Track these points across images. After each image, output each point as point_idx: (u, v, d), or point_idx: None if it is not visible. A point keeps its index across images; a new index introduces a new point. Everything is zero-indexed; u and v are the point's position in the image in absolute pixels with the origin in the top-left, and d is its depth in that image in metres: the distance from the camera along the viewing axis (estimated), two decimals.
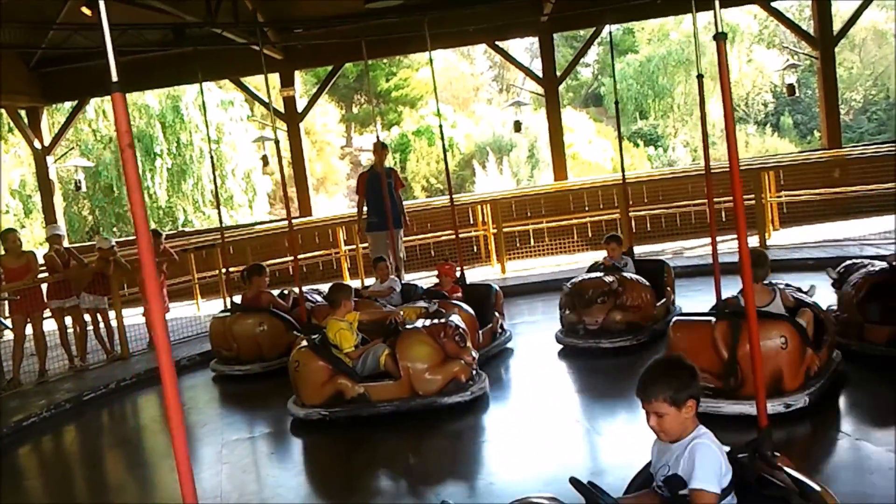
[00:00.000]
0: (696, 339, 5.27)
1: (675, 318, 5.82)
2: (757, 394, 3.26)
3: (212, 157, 11.82)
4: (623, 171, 10.06)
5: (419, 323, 6.41)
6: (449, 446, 5.70)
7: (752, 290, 3.26)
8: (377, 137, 10.14)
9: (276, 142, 8.86)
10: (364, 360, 6.27)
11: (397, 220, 10.50)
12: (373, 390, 6.09)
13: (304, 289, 9.50)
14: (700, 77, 5.79)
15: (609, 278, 7.47)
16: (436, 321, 6.40)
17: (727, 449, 2.92)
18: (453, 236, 9.17)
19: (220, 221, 11.26)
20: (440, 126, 9.76)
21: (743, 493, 2.87)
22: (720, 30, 3.20)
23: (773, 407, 4.78)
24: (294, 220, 15.28)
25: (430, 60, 9.57)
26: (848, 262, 6.65)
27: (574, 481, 2.84)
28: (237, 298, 9.32)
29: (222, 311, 9.22)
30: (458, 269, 8.70)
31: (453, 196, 9.80)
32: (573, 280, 7.79)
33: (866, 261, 6.54)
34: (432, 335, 6.20)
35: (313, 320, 8.06)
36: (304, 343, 6.46)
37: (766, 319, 5.09)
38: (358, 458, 5.57)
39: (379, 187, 10.16)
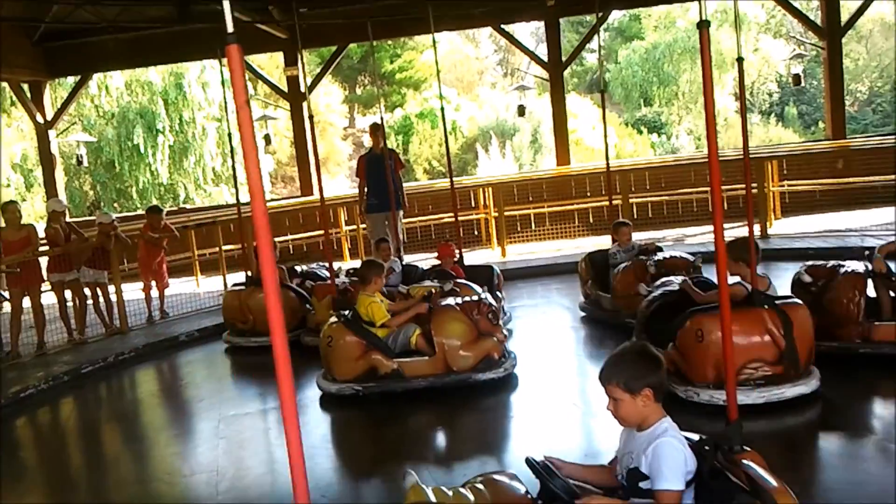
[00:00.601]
0: (747, 328, 5.15)
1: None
2: (727, 385, 3.23)
3: (229, 135, 11.70)
4: (607, 158, 10.02)
5: (451, 300, 6.47)
6: (482, 421, 5.78)
7: (725, 277, 3.23)
8: (381, 119, 10.09)
9: (310, 118, 8.77)
10: (395, 338, 6.33)
11: (397, 202, 10.49)
12: (406, 366, 6.18)
13: (307, 266, 9.60)
14: (740, 61, 5.60)
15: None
16: (468, 299, 6.49)
17: (696, 437, 2.91)
18: (453, 219, 9.15)
19: (237, 198, 11.08)
20: (441, 108, 9.68)
21: (698, 481, 2.85)
22: (704, 17, 3.14)
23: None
24: (299, 200, 15.26)
25: (434, 43, 9.50)
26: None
27: (528, 462, 2.92)
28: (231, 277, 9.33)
29: (236, 285, 9.29)
30: (457, 251, 8.69)
31: (454, 179, 9.77)
32: None
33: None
34: (466, 312, 6.29)
35: (312, 298, 8.11)
36: (334, 319, 6.47)
37: (792, 303, 5.33)
38: (388, 431, 5.65)
39: (379, 169, 10.14)
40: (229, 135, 11.08)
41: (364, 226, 12.25)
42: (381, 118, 10.14)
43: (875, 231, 10.50)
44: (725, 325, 3.28)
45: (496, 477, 3.08)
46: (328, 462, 5.22)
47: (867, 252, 6.05)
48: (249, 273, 9.31)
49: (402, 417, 5.88)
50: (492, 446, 5.25)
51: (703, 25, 3.13)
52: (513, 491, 2.99)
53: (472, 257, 11.22)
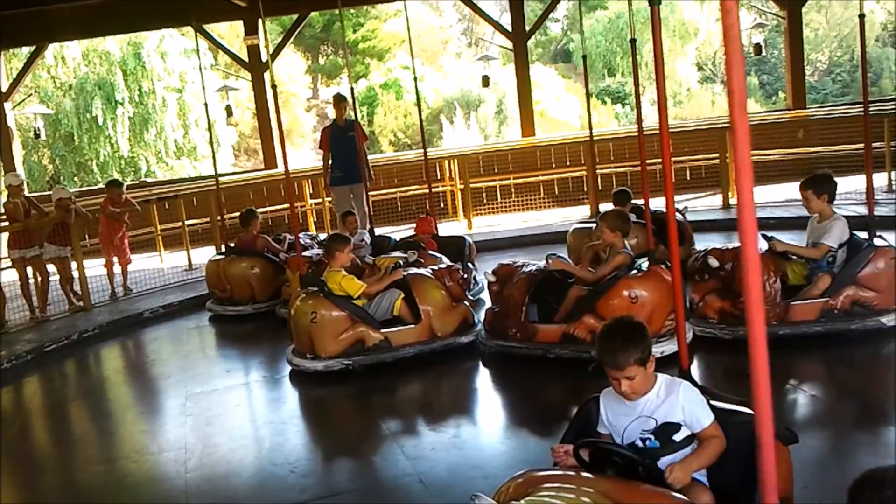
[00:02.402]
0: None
1: None
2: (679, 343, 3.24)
3: (205, 106, 11.51)
4: (591, 127, 10.07)
5: (423, 270, 6.58)
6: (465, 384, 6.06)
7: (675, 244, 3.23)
8: (351, 90, 9.97)
9: (273, 88, 8.67)
10: (377, 307, 6.36)
11: (361, 175, 10.41)
12: (393, 336, 6.20)
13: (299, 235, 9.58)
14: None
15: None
16: (440, 266, 6.70)
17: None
18: (420, 191, 9.16)
19: (216, 169, 10.86)
20: (415, 79, 9.62)
21: None
22: None
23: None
24: (263, 173, 15.09)
25: (406, 11, 9.46)
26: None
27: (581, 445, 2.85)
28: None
29: (218, 254, 9.31)
30: (433, 221, 8.83)
31: (418, 151, 9.76)
32: None
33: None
34: (438, 279, 6.42)
35: (287, 270, 8.20)
36: (304, 295, 6.34)
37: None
38: (378, 401, 5.82)
39: (343, 141, 10.08)
40: (205, 107, 10.94)
41: (330, 199, 12.17)
42: (351, 89, 9.99)
43: (837, 201, 10.64)
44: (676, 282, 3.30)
45: (537, 473, 2.76)
46: (299, 438, 5.23)
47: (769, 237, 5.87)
48: (232, 244, 9.31)
49: (391, 385, 6.04)
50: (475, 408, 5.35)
51: (654, 2, 3.15)
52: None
53: (441, 229, 11.21)
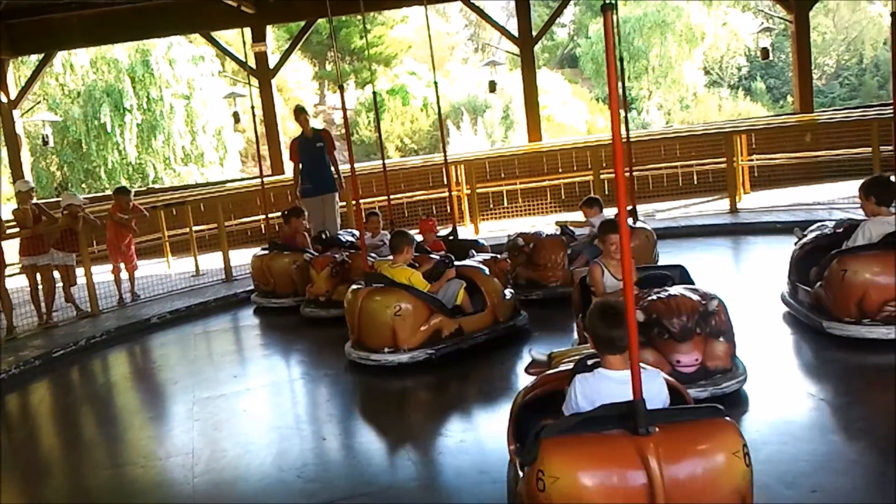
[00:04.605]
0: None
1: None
2: (631, 366, 2.96)
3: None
4: (627, 130, 10.00)
5: (470, 262, 7.12)
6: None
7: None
8: (341, 99, 9.93)
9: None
10: (442, 296, 6.55)
11: (331, 184, 10.39)
12: (465, 323, 6.52)
13: (341, 231, 9.89)
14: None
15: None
16: (486, 256, 7.38)
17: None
18: (426, 196, 9.21)
19: (262, 174, 11.02)
20: (435, 83, 9.51)
21: None
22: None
23: None
24: (270, 179, 15.10)
25: (427, 16, 9.57)
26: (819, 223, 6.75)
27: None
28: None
29: (263, 249, 9.60)
30: (450, 225, 9.03)
31: (426, 157, 9.79)
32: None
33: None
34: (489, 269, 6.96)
35: (311, 270, 8.41)
36: (374, 288, 6.47)
37: None
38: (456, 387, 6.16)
39: (311, 152, 10.12)
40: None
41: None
42: (343, 100, 9.91)
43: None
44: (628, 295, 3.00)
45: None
46: (307, 443, 5.22)
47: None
48: (277, 240, 9.65)
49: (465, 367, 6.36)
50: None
51: (607, 8, 2.93)
52: None
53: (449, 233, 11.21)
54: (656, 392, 3.15)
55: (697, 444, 2.94)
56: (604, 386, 3.14)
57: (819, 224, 6.72)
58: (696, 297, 4.80)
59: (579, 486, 2.82)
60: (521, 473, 3.18)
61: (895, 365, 5.28)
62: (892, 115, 11.13)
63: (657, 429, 2.88)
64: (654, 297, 4.80)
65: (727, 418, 3.02)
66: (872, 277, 5.51)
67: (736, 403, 4.73)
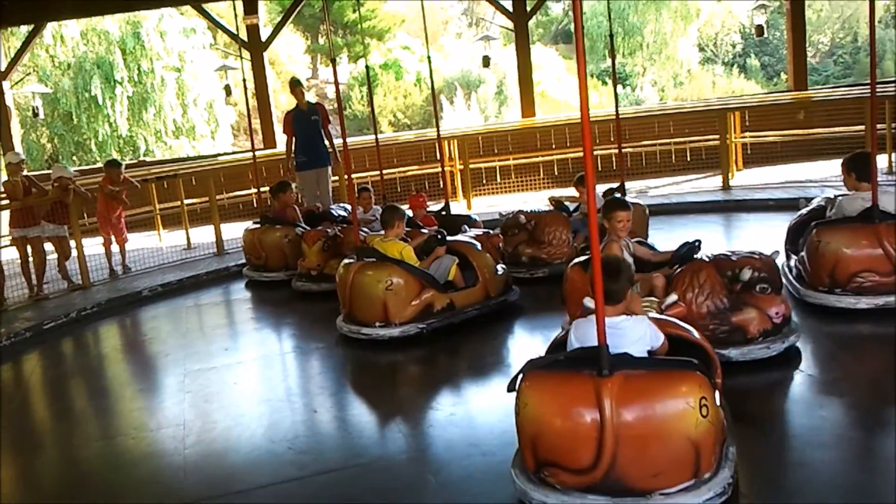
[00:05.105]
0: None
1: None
2: (597, 314, 3.36)
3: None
4: (617, 107, 9.96)
5: (462, 237, 7.08)
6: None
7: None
8: (334, 73, 9.85)
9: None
10: (434, 272, 6.56)
11: (325, 158, 10.35)
12: (456, 298, 6.52)
13: (334, 206, 9.84)
14: None
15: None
16: (478, 232, 7.33)
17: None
18: (419, 171, 9.18)
19: (252, 144, 11.00)
20: (429, 58, 9.44)
21: None
22: None
23: None
24: (258, 152, 15.02)
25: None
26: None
27: None
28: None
29: (254, 222, 9.62)
30: (443, 200, 8.94)
31: (419, 132, 9.75)
32: None
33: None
34: (482, 244, 6.96)
35: (302, 244, 8.44)
36: (365, 262, 6.47)
37: None
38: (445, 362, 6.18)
39: (306, 125, 10.08)
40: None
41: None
42: (335, 74, 9.86)
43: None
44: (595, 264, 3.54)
45: None
46: (298, 415, 5.23)
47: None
48: (268, 214, 9.66)
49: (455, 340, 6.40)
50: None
51: None
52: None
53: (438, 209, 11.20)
54: (640, 335, 3.59)
55: (653, 390, 3.27)
56: (595, 331, 3.39)
57: (824, 196, 6.83)
58: (765, 254, 5.16)
59: (543, 413, 3.38)
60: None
61: (867, 335, 5.52)
62: (886, 95, 11.17)
63: (619, 373, 3.29)
64: (746, 255, 5.10)
65: (697, 372, 3.30)
66: (843, 249, 5.71)
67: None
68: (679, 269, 5.14)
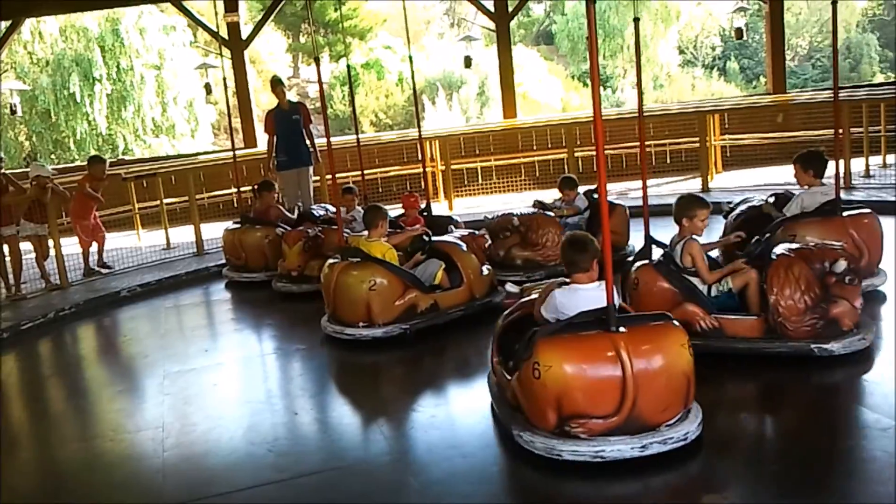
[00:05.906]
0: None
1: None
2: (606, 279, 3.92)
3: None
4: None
5: (449, 238, 7.07)
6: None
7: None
8: (317, 72, 9.82)
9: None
10: (420, 276, 6.54)
11: (307, 158, 10.34)
12: (440, 299, 6.51)
13: (314, 206, 9.80)
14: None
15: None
16: (465, 233, 7.29)
17: None
18: (400, 171, 9.16)
19: (233, 144, 10.92)
20: (410, 58, 9.34)
21: None
22: None
23: None
24: (239, 152, 14.97)
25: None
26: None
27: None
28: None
29: (234, 222, 9.51)
30: (424, 201, 8.82)
31: (400, 132, 9.73)
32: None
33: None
34: (468, 245, 6.94)
35: (283, 245, 8.37)
36: (349, 262, 6.42)
37: None
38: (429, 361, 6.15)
39: (287, 125, 10.06)
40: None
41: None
42: (318, 73, 9.81)
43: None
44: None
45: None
46: (278, 417, 5.21)
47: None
48: (249, 214, 9.54)
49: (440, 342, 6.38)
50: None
51: (590, 0, 3.64)
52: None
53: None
54: (602, 298, 4.02)
55: (656, 338, 3.93)
56: (579, 296, 4.17)
57: (745, 198, 7.17)
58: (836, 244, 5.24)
59: (570, 370, 3.80)
60: (507, 377, 4.25)
61: None
62: (860, 98, 11.29)
63: (624, 329, 3.86)
64: (825, 246, 5.09)
65: (674, 322, 4.03)
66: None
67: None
68: (768, 265, 5.05)
